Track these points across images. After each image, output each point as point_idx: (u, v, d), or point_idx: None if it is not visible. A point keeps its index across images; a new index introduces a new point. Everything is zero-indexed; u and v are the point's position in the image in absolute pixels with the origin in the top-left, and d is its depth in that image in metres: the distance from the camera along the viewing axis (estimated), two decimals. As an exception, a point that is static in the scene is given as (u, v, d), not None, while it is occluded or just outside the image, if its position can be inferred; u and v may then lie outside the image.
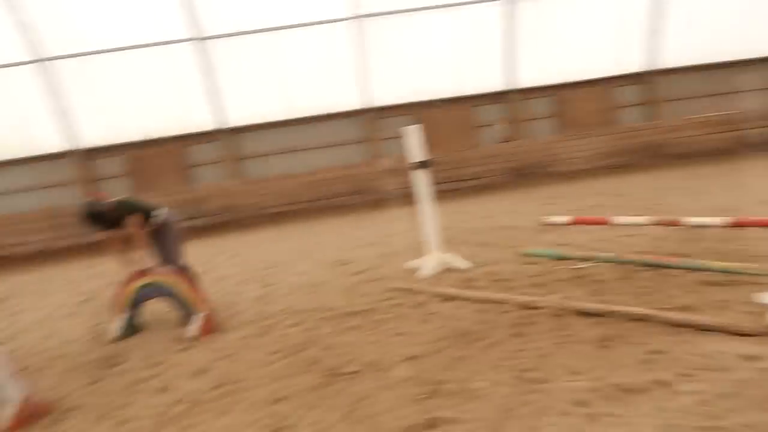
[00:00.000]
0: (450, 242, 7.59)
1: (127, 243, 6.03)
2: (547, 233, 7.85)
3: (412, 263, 6.88)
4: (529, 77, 14.70)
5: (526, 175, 14.38)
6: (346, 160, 14.51)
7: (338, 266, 7.72)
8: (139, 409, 3.96)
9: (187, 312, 5.63)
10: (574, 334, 4.24)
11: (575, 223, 8.20)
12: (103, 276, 9.60)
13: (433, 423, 3.22)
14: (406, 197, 13.66)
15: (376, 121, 14.24)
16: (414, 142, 6.47)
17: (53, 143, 13.96)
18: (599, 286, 5.24)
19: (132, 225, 5.84)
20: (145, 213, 6.03)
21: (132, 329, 5.92)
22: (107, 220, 5.84)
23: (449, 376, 3.78)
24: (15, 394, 3.98)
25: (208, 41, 13.43)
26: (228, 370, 4.48)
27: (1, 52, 13.02)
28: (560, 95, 15.12)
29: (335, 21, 13.45)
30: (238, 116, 14.16)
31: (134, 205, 6.00)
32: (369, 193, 14.27)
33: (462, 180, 14.35)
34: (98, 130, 14.09)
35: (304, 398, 3.75)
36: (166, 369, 4.73)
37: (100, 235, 5.97)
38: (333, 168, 14.37)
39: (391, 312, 5.38)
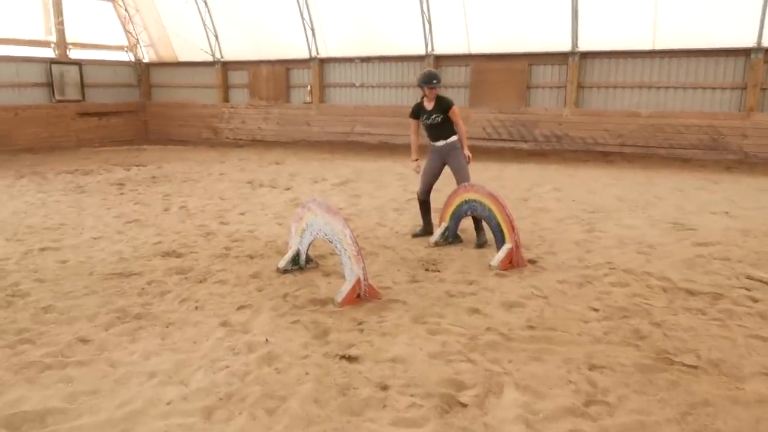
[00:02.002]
0: None
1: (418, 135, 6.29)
2: None
3: (785, 252, 5.46)
4: None
5: None
6: (708, 106, 12.28)
7: (677, 230, 6.66)
8: (451, 324, 3.98)
9: (496, 238, 5.48)
10: None
11: None
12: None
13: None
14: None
15: (766, 65, 11.53)
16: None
17: (415, 46, 15.01)
18: None
19: (450, 115, 6.04)
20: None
21: (449, 239, 6.09)
22: (426, 107, 6.09)
23: (838, 422, 2.82)
24: (353, 273, 4.38)
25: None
26: (543, 313, 4.20)
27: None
28: None
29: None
30: (591, 40, 13.02)
31: (447, 105, 6.10)
32: (730, 150, 11.94)
33: None
34: (448, 40, 14.63)
35: (628, 376, 3.24)
36: (479, 290, 4.69)
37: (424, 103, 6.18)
38: (688, 113, 12.35)
39: (748, 305, 4.34)
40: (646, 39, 12.53)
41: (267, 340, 3.69)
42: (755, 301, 4.42)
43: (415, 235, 6.40)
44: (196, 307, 4.29)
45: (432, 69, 6.16)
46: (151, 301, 4.42)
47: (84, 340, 3.69)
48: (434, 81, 5.96)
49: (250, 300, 4.45)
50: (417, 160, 6.35)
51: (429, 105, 6.08)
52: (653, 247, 5.94)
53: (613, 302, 4.41)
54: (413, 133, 6.30)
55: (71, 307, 4.26)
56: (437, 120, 6.05)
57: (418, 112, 6.19)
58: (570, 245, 6.03)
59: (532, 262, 5.45)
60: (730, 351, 3.58)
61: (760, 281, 4.84)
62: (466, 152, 6.14)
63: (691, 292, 4.62)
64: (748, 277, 4.93)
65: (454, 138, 6.13)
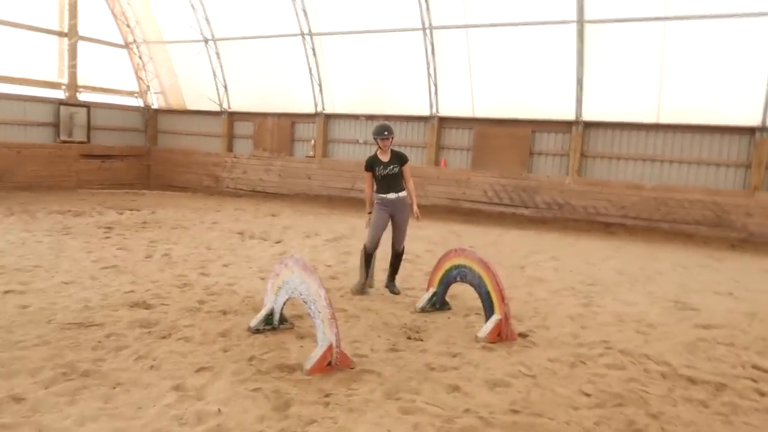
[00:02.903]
0: None
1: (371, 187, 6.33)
2: None
3: (794, 341, 5.10)
4: None
5: None
6: (713, 182, 12.11)
7: (678, 310, 6.31)
8: (426, 403, 3.61)
9: (485, 307, 5.15)
10: None
11: None
12: (428, 240, 9.90)
13: None
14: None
15: (767, 144, 11.45)
16: None
17: (420, 107, 15.10)
18: None
19: (404, 169, 6.24)
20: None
21: (436, 305, 5.77)
22: (381, 159, 6.20)
23: None
24: (325, 338, 4.05)
25: (590, 25, 12.50)
26: (529, 395, 3.83)
27: (398, 20, 14.49)
28: None
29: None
30: (595, 110, 13.02)
31: (404, 158, 6.33)
32: (734, 228, 11.68)
33: None
34: (453, 102, 14.71)
35: (618, 480, 2.86)
36: (462, 365, 4.33)
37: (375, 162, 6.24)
38: (692, 188, 12.17)
39: (754, 399, 3.97)
40: (650, 112, 12.52)
41: (219, 410, 3.33)
42: (762, 394, 4.05)
43: (360, 293, 6.31)
44: (152, 367, 3.94)
45: (385, 122, 6.43)
46: (105, 356, 4.08)
47: (17, 399, 3.33)
48: (385, 132, 6.13)
49: (212, 361, 4.10)
50: (371, 213, 6.36)
51: (384, 157, 6.21)
52: (653, 326, 5.59)
53: (607, 387, 4.04)
54: (368, 186, 6.35)
55: (15, 358, 3.92)
56: (394, 170, 6.18)
57: (372, 164, 6.23)
58: (564, 319, 5.68)
59: (522, 335, 5.09)
60: (735, 453, 3.20)
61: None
62: (416, 209, 6.31)
63: (692, 380, 4.24)
64: (755, 367, 4.56)
65: (404, 193, 6.29)
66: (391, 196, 6.18)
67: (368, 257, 6.35)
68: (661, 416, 3.61)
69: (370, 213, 6.37)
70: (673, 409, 3.74)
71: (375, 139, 6.22)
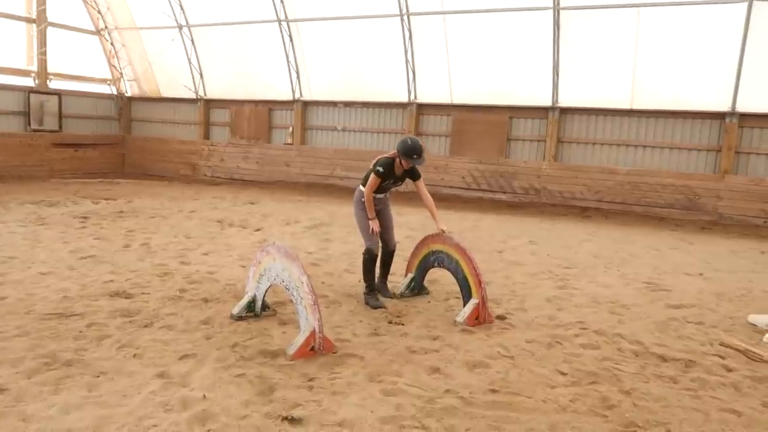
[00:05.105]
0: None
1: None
2: None
3: (760, 319, 5.30)
4: None
5: None
6: (684, 167, 12.41)
7: (651, 291, 6.49)
8: (408, 384, 3.70)
9: (463, 292, 5.26)
10: None
11: None
12: (407, 226, 9.99)
13: None
14: (759, 228, 11.21)
15: (740, 129, 11.74)
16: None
17: (398, 94, 15.13)
18: None
19: (419, 185, 5.55)
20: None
21: (415, 290, 5.85)
22: (395, 173, 5.50)
23: None
24: (308, 323, 4.11)
25: (566, 12, 12.62)
26: (507, 375, 3.94)
27: (376, 5, 14.45)
28: None
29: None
30: (571, 96, 13.20)
31: (417, 174, 5.59)
32: (705, 211, 12.00)
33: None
34: (431, 89, 14.77)
35: (592, 453, 2.98)
36: (442, 347, 4.43)
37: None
38: (665, 172, 12.45)
39: (720, 375, 4.13)
40: (624, 98, 12.73)
41: (204, 396, 3.37)
42: (729, 370, 4.22)
43: (378, 303, 5.49)
44: (135, 355, 3.96)
45: (418, 142, 5.42)
46: (87, 346, 4.08)
47: (0, 389, 3.33)
48: (414, 156, 5.33)
49: (196, 349, 4.13)
50: (374, 219, 5.56)
51: (399, 170, 5.49)
52: (626, 307, 5.76)
53: (582, 366, 4.17)
54: (371, 191, 5.48)
55: (-4, 349, 3.91)
56: (399, 185, 5.69)
57: (387, 175, 5.44)
58: (541, 302, 5.82)
59: (501, 318, 5.22)
60: (703, 426, 3.35)
61: (735, 349, 4.64)
62: (443, 226, 5.48)
63: (663, 358, 4.40)
64: (722, 344, 4.74)
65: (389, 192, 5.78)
66: (380, 195, 5.65)
67: (374, 258, 5.60)
68: (633, 392, 3.75)
69: (374, 219, 5.55)
70: (644, 385, 3.89)
71: (400, 156, 5.36)
